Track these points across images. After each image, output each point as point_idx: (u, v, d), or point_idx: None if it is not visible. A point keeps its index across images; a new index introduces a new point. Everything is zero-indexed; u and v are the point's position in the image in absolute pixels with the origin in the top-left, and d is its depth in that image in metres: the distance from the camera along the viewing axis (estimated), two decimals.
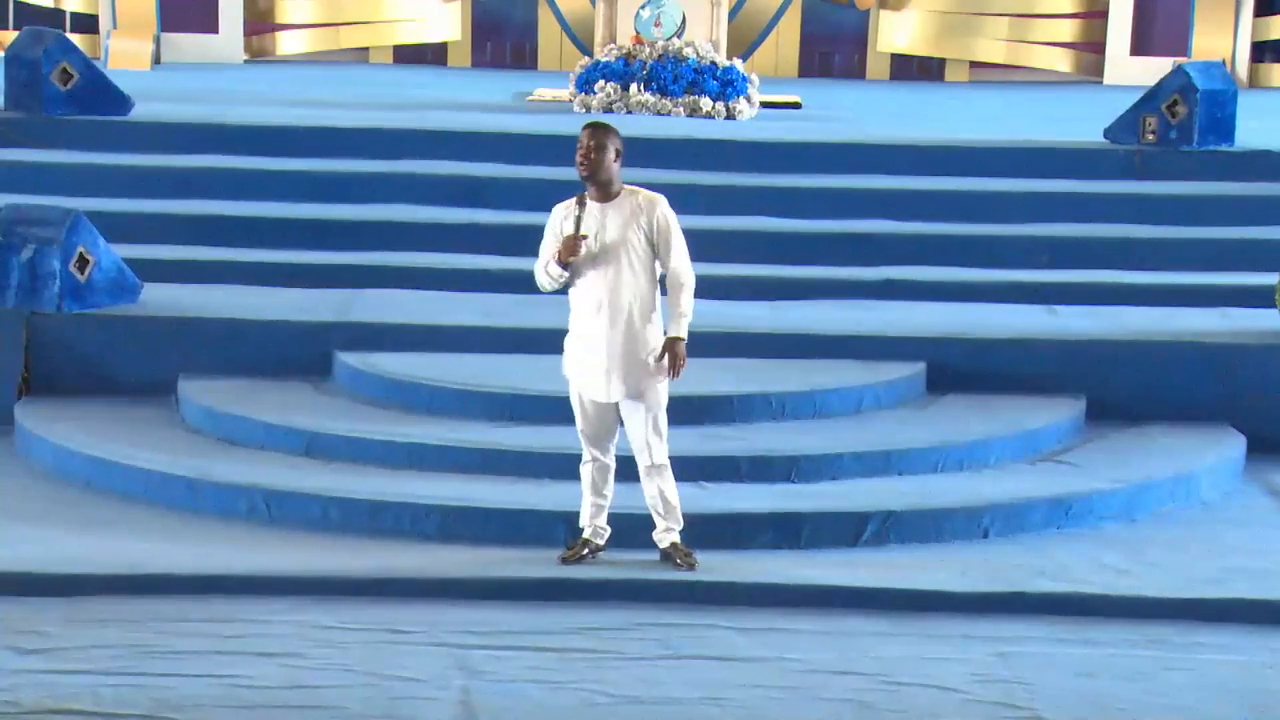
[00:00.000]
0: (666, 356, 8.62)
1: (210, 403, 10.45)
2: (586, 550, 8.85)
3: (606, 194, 8.63)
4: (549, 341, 10.66)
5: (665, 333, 8.68)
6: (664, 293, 8.75)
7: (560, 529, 9.08)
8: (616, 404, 8.71)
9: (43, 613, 8.31)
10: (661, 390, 8.73)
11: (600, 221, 8.59)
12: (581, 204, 8.60)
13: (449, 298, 11.79)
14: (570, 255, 8.54)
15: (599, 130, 8.61)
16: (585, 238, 8.55)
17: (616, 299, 8.59)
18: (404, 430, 9.98)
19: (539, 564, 8.84)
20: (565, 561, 8.82)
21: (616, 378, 8.63)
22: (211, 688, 7.58)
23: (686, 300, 8.65)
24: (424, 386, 10.39)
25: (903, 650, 8.19)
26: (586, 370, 8.67)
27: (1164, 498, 10.03)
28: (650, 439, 8.70)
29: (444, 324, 11.15)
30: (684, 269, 8.66)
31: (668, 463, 8.76)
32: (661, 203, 8.68)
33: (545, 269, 8.68)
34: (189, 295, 11.50)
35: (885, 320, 11.46)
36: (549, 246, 8.70)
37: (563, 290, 8.79)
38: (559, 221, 8.70)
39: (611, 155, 8.58)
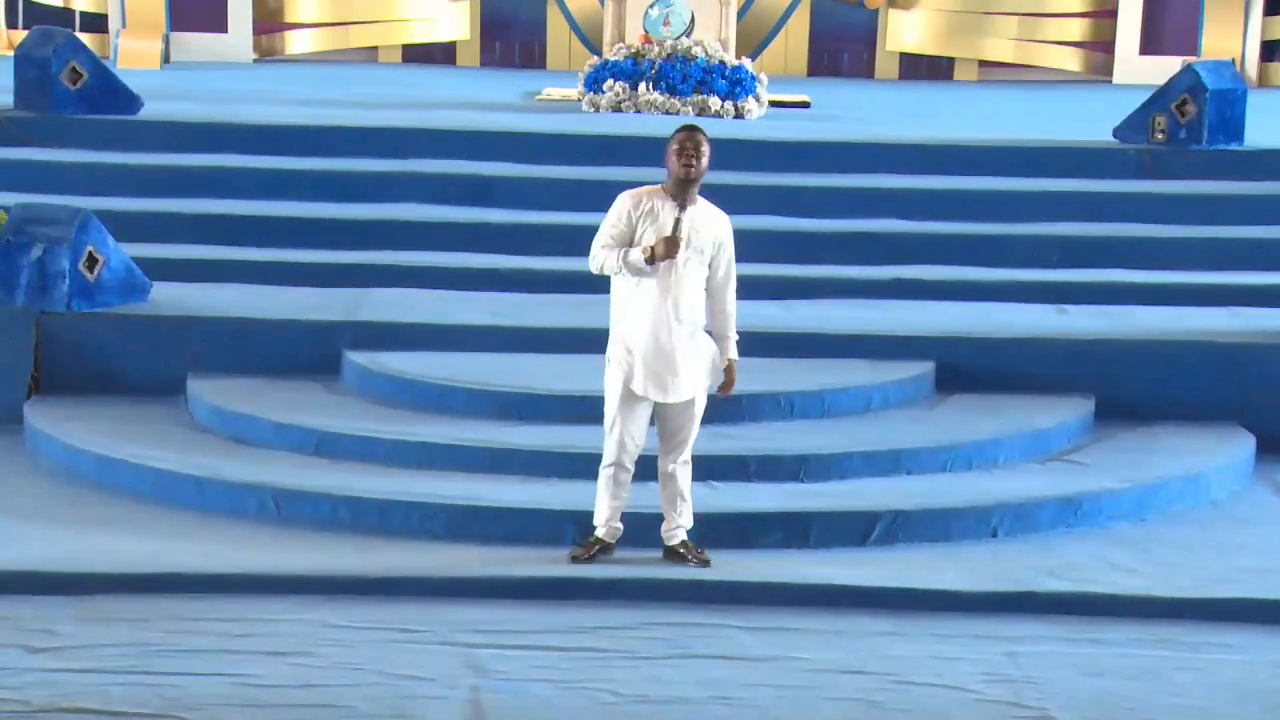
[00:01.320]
0: (726, 380, 8.83)
1: (219, 402, 10.46)
2: (598, 549, 8.83)
3: (690, 199, 8.62)
4: (558, 341, 10.71)
5: (717, 351, 8.80)
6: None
7: (569, 528, 9.08)
8: (653, 405, 8.71)
9: (52, 611, 8.32)
10: (705, 392, 8.85)
11: (686, 226, 8.61)
12: (683, 206, 8.57)
13: (458, 297, 11.79)
14: (669, 257, 8.52)
15: (698, 133, 8.62)
16: (682, 240, 8.55)
17: (681, 303, 8.60)
18: (413, 429, 9.98)
19: (548, 563, 8.84)
20: (576, 560, 8.81)
21: (684, 379, 8.66)
22: (221, 686, 7.58)
23: (734, 323, 8.83)
24: (433, 386, 10.39)
25: (912, 650, 8.19)
26: (645, 370, 8.62)
27: (1173, 497, 10.02)
28: (691, 438, 8.78)
29: (453, 323, 11.15)
30: (733, 294, 8.82)
31: (691, 461, 8.82)
32: (729, 222, 8.80)
33: (624, 259, 8.57)
34: (198, 294, 11.51)
35: (894, 319, 11.46)
36: (616, 231, 8.61)
37: (603, 277, 8.76)
38: (632, 209, 8.61)
39: (707, 160, 8.61)
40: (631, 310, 8.65)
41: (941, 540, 9.34)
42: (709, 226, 8.67)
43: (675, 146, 8.58)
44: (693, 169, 8.54)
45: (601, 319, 8.84)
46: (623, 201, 8.68)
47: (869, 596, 8.69)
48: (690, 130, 8.65)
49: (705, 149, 8.59)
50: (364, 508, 9.31)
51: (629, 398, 8.68)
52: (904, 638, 8.32)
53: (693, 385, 8.70)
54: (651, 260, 8.52)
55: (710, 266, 8.70)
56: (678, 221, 8.55)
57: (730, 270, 8.77)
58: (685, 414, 8.74)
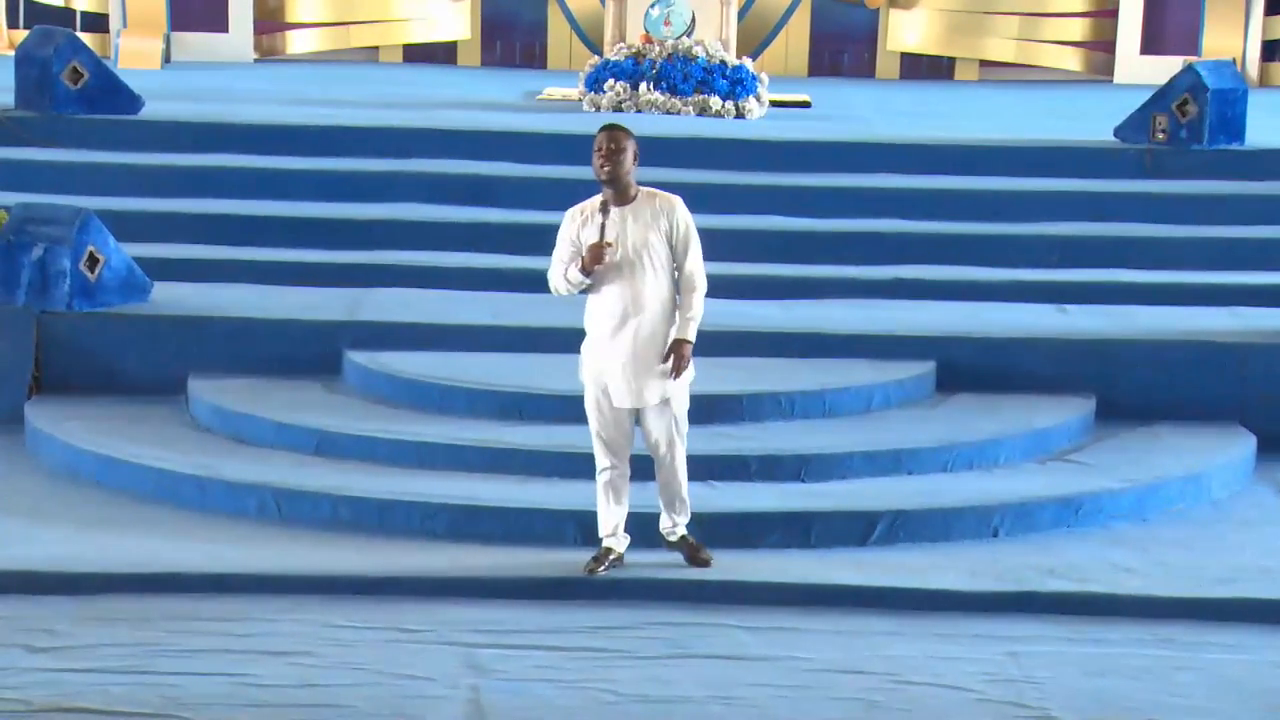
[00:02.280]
0: (671, 358, 8.52)
1: (220, 401, 10.46)
2: (610, 559, 8.77)
3: (624, 197, 8.52)
4: (559, 340, 10.68)
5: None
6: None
7: (569, 528, 9.08)
8: (635, 409, 8.64)
9: (53, 611, 8.32)
10: (686, 394, 8.69)
11: (621, 226, 8.49)
12: (605, 210, 8.48)
13: (459, 296, 11.79)
14: (596, 263, 8.43)
15: (617, 131, 8.51)
16: (610, 245, 8.44)
17: (639, 304, 8.49)
18: (413, 429, 9.98)
19: (548, 563, 8.84)
20: (591, 574, 8.72)
21: (642, 383, 8.53)
22: (221, 686, 7.59)
23: (698, 303, 8.57)
24: (434, 385, 10.39)
25: (912, 650, 8.19)
26: (610, 376, 8.56)
27: (1174, 497, 10.02)
28: (674, 439, 8.66)
29: (453, 323, 11.16)
30: (698, 271, 8.58)
31: (684, 463, 8.74)
32: (680, 204, 8.59)
33: (565, 275, 8.56)
34: (199, 294, 11.52)
35: (895, 319, 11.46)
36: (564, 251, 8.60)
37: (580, 293, 8.71)
38: (575, 226, 8.59)
39: (630, 157, 8.47)
40: (594, 316, 8.61)
41: (942, 540, 9.33)
42: (651, 218, 8.50)
43: (594, 147, 8.49)
44: (608, 169, 8.43)
45: None
46: (565, 220, 8.64)
47: (870, 596, 8.69)
48: (609, 129, 8.53)
49: (625, 145, 8.43)
50: (365, 507, 9.31)
51: (601, 402, 8.63)
52: (904, 637, 8.32)
53: (657, 389, 8.55)
54: (586, 271, 8.47)
55: (673, 256, 8.54)
56: (602, 226, 8.46)
57: (690, 250, 8.54)
58: (662, 419, 8.61)
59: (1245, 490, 10.38)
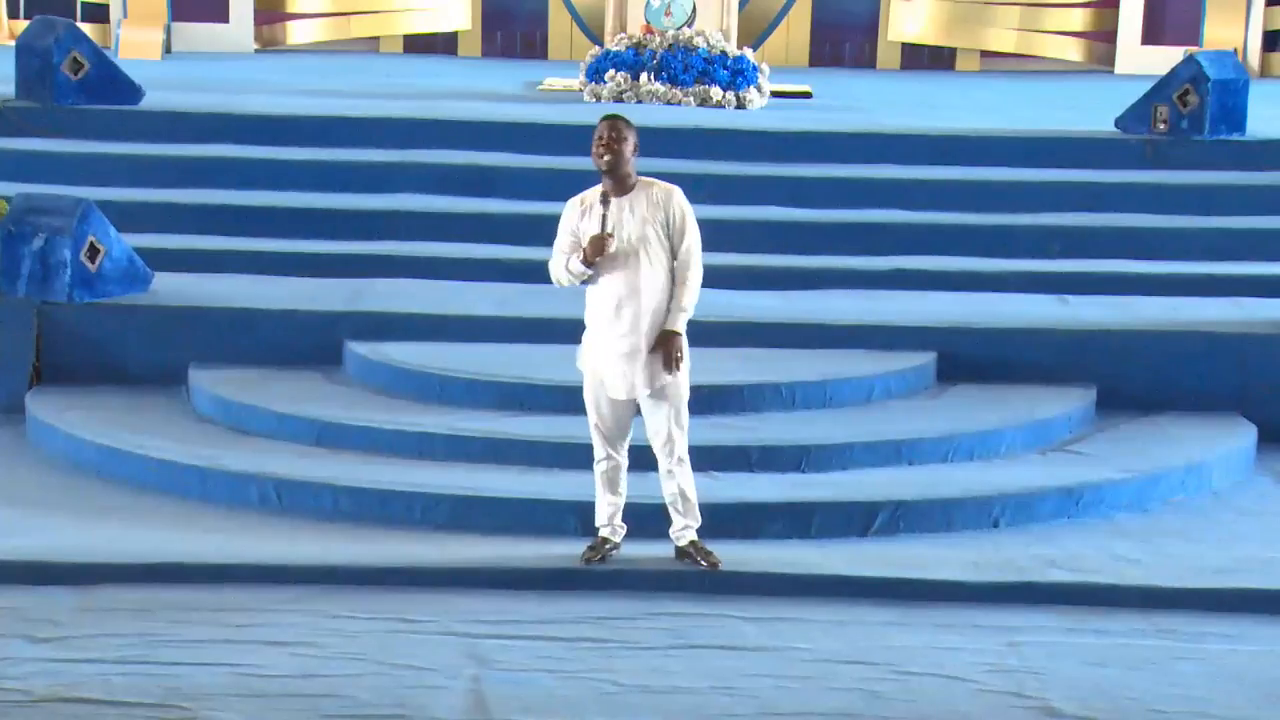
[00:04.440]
0: (662, 353, 8.48)
1: (221, 392, 10.46)
2: (606, 549, 8.78)
3: (624, 187, 8.50)
4: (560, 330, 10.69)
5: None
6: None
7: (570, 518, 9.08)
8: (634, 401, 8.62)
9: (54, 601, 8.33)
10: (684, 385, 8.61)
11: (619, 217, 8.47)
12: (605, 201, 8.46)
13: (460, 287, 11.78)
14: (597, 255, 8.42)
15: (618, 121, 8.48)
16: (611, 236, 8.43)
17: (636, 295, 8.46)
18: (414, 419, 9.98)
19: (550, 553, 8.84)
20: (589, 562, 8.73)
21: (639, 375, 8.51)
22: (222, 677, 7.59)
23: (690, 295, 8.52)
24: (434, 376, 10.40)
25: (913, 640, 8.19)
26: (607, 367, 8.54)
27: (1175, 487, 10.03)
28: (673, 433, 8.59)
29: (454, 313, 11.16)
30: (693, 263, 8.52)
31: (688, 457, 8.69)
32: (678, 193, 8.56)
33: (566, 267, 8.54)
34: (200, 285, 11.52)
35: (896, 310, 11.46)
36: (564, 241, 8.60)
37: (581, 284, 8.68)
38: (575, 216, 8.58)
39: (630, 147, 8.45)
40: (593, 307, 8.60)
41: (943, 530, 9.34)
42: (649, 209, 8.47)
43: (594, 137, 8.46)
44: (607, 158, 8.41)
45: None
46: (566, 210, 8.62)
47: (871, 587, 8.69)
48: (610, 119, 8.50)
49: (626, 135, 8.41)
50: (365, 498, 9.32)
51: (598, 393, 8.61)
52: (905, 628, 8.33)
53: (654, 382, 8.51)
54: (588, 263, 8.46)
55: (670, 246, 8.49)
56: (603, 218, 8.45)
57: (688, 241, 8.49)
58: (659, 410, 8.56)
59: (1246, 481, 10.39)
